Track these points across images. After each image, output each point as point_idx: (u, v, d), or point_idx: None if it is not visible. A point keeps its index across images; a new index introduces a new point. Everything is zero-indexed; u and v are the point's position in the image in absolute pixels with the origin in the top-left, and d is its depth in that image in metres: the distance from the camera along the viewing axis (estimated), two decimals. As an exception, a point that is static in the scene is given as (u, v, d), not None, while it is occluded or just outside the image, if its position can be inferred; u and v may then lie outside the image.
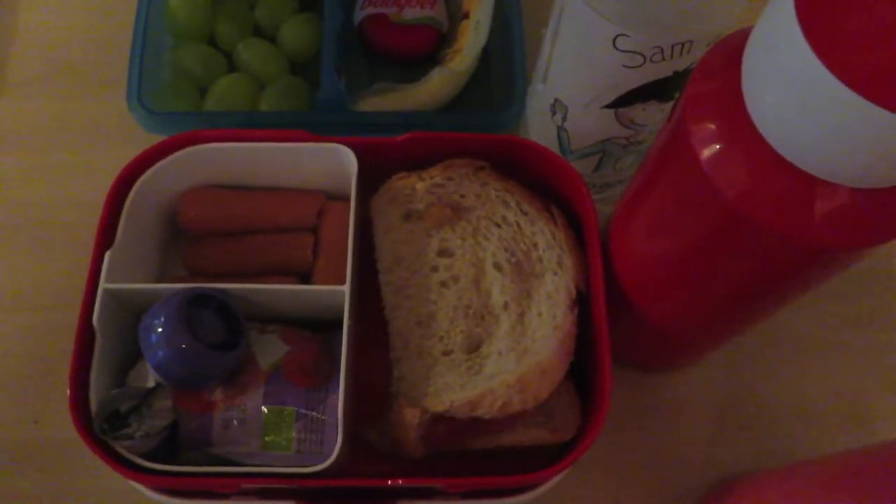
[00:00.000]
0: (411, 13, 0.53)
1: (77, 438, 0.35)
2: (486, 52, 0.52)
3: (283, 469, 0.35)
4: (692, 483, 0.44)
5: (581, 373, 0.40)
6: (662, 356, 0.45)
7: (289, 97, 0.50)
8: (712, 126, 0.27)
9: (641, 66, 0.36)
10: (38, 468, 0.43)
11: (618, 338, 0.38)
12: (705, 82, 0.28)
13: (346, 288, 0.38)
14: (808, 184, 0.25)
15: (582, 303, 0.40)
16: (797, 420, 0.46)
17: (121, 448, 0.35)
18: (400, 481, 0.35)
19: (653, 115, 0.40)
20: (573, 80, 0.40)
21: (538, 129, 0.46)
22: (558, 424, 0.39)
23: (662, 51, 0.34)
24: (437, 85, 0.50)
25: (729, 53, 0.27)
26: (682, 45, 0.34)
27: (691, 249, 0.32)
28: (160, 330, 0.35)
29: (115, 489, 0.42)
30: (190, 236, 0.44)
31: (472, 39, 0.51)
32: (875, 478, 0.30)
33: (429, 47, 0.53)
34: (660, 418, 0.45)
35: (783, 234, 0.26)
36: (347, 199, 0.42)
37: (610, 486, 0.44)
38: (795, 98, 0.23)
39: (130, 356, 0.39)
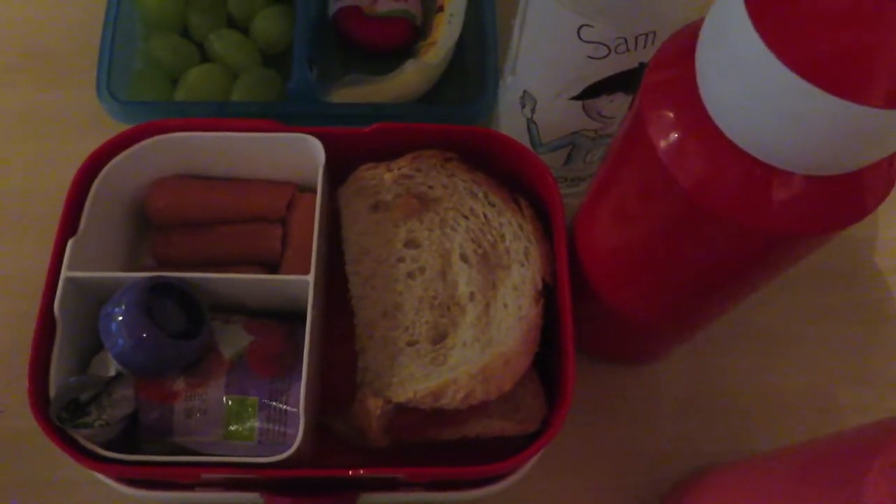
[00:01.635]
0: (385, 6, 0.53)
1: (40, 429, 0.34)
2: (459, 45, 0.52)
3: (243, 459, 0.35)
4: (660, 474, 0.44)
5: (548, 365, 0.40)
6: (630, 348, 0.45)
7: (261, 88, 0.50)
8: (669, 115, 0.27)
9: (606, 57, 0.36)
10: (1, 459, 0.43)
11: (586, 331, 0.38)
12: (661, 72, 0.28)
13: (310, 278, 0.38)
14: (762, 172, 0.25)
15: (549, 295, 0.40)
16: (765, 412, 0.46)
17: (80, 437, 0.34)
18: (361, 471, 0.35)
19: (620, 108, 0.40)
20: (541, 71, 0.40)
21: (509, 121, 0.46)
22: (523, 416, 0.39)
23: (626, 42, 0.34)
24: (411, 77, 0.50)
25: (684, 43, 0.27)
26: (646, 36, 0.34)
27: (652, 239, 0.32)
28: (120, 318, 0.35)
29: (80, 480, 0.41)
30: (158, 226, 0.44)
31: (445, 32, 0.51)
32: (840, 465, 0.30)
33: (403, 40, 0.53)
34: (628, 411, 0.45)
35: (740, 223, 0.26)
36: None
37: (578, 478, 0.44)
38: (747, 87, 0.23)
39: (93, 345, 0.38)
